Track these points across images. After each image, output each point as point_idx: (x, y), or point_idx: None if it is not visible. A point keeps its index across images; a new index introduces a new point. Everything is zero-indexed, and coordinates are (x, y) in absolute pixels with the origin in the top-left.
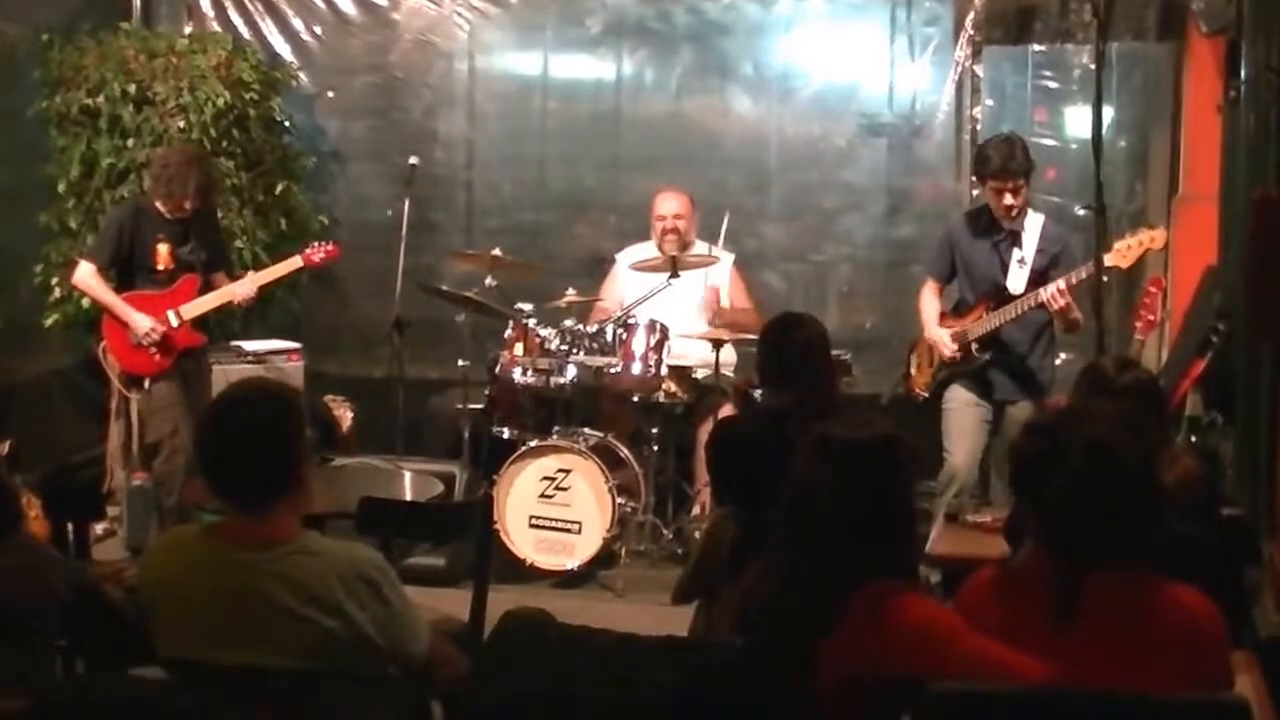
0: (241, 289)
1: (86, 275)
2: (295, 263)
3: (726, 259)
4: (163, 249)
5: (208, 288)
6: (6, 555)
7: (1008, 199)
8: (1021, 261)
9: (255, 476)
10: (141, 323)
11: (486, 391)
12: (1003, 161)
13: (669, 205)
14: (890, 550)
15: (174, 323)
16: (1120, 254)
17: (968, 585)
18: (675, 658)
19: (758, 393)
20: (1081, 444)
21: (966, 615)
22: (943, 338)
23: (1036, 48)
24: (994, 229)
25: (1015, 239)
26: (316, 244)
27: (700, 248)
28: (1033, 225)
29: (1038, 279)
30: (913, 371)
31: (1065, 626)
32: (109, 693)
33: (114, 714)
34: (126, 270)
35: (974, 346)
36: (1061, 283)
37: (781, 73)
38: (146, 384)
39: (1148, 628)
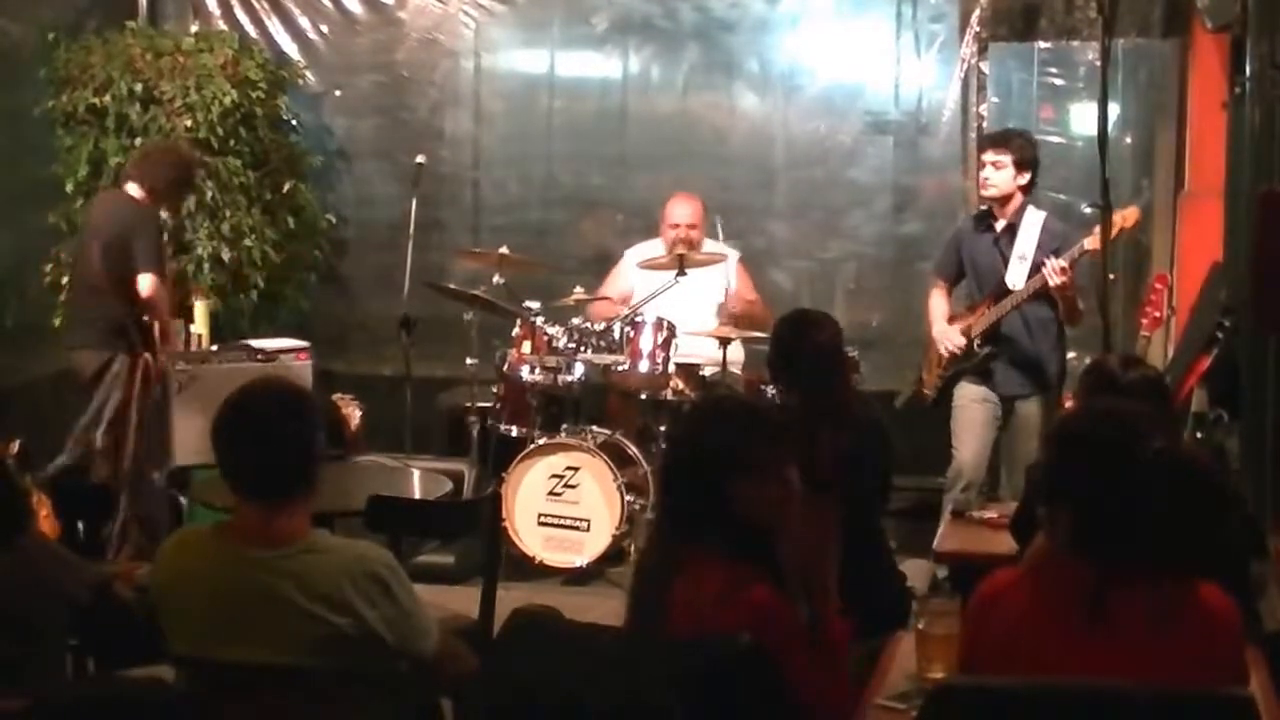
0: None
1: (158, 287)
2: None
3: (732, 255)
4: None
5: None
6: (16, 555)
7: (986, 171)
8: (1022, 257)
9: (274, 471)
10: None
11: (494, 389)
12: (993, 132)
13: (683, 212)
14: (703, 510)
15: None
16: (1095, 237)
17: (986, 586)
18: (683, 654)
19: (769, 389)
20: (1152, 456)
21: (986, 616)
22: (948, 331)
23: (1042, 45)
24: (994, 225)
25: (1013, 234)
26: None
27: (708, 245)
28: (1033, 221)
29: (1037, 273)
30: (923, 374)
31: (1094, 629)
32: (112, 692)
33: (117, 714)
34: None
35: (976, 342)
36: (1064, 260)
37: (787, 70)
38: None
39: (1174, 629)
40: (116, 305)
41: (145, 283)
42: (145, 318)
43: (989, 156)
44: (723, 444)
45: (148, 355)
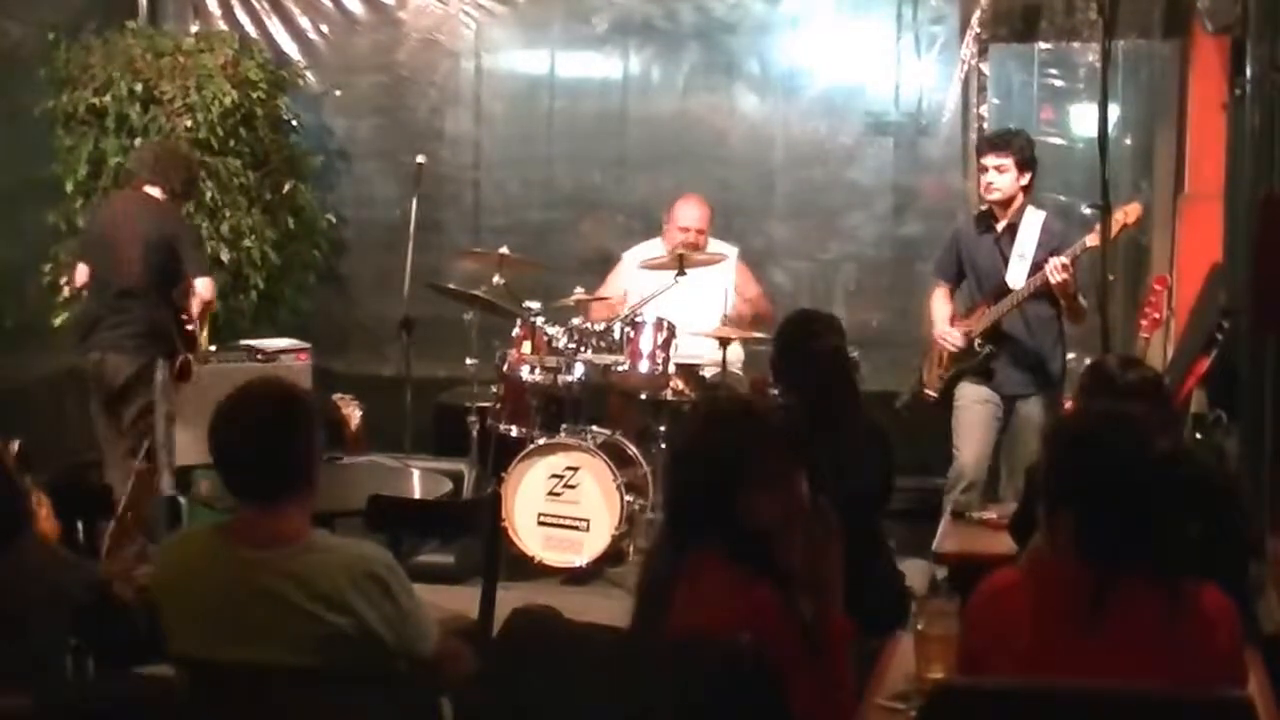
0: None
1: (212, 290)
2: None
3: (731, 254)
4: None
5: None
6: (17, 555)
7: (989, 176)
8: (1022, 256)
9: (268, 472)
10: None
11: (494, 390)
12: (992, 136)
13: (692, 216)
14: (708, 517)
15: None
16: (1096, 234)
17: (986, 587)
18: (682, 654)
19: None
20: (1147, 457)
21: (986, 617)
22: (949, 332)
23: (1042, 46)
24: (994, 226)
25: (1013, 233)
26: None
27: (708, 245)
28: (1033, 221)
29: (1037, 272)
30: (924, 374)
31: (1093, 630)
32: (114, 691)
33: (119, 713)
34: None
35: (976, 342)
36: (1065, 257)
37: (787, 71)
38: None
39: (1174, 631)
40: (157, 308)
41: (204, 285)
42: (184, 318)
43: (991, 160)
44: (730, 453)
45: (188, 356)
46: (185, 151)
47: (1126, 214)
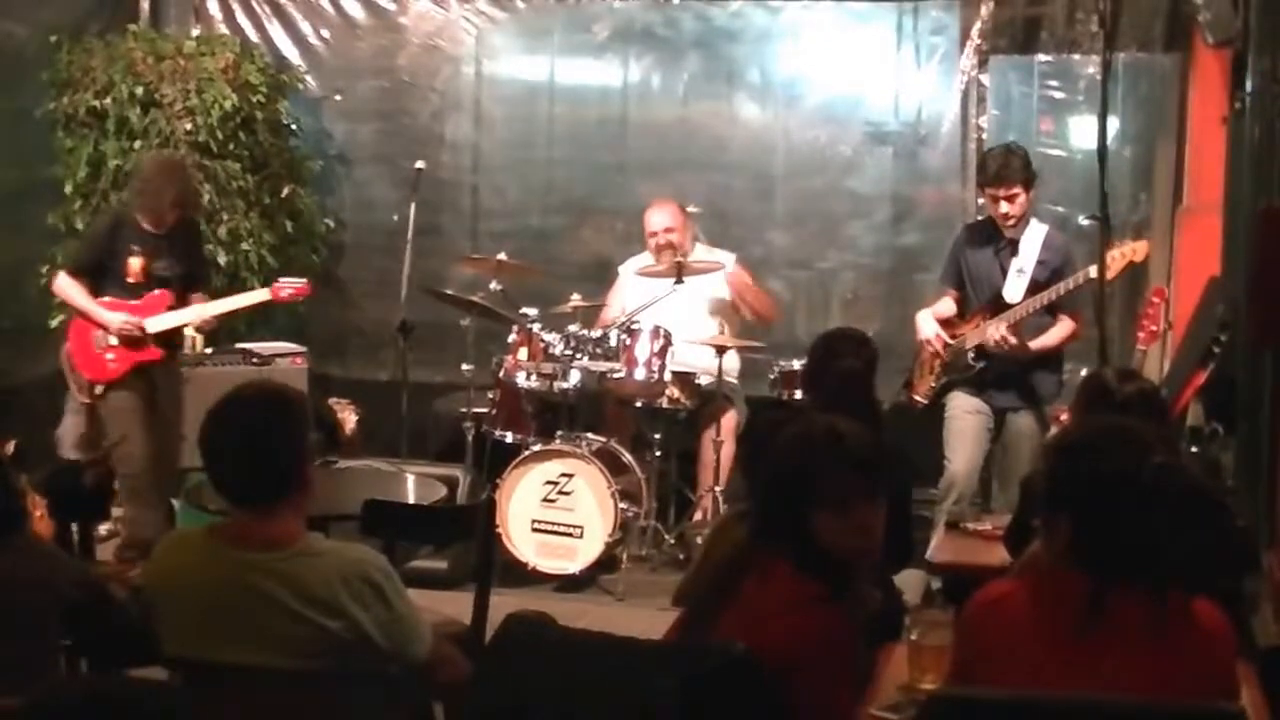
0: (204, 314)
1: (64, 282)
2: (263, 295)
3: (729, 261)
4: (135, 262)
5: (184, 304)
6: (10, 554)
7: (1004, 206)
8: (1020, 271)
9: (259, 476)
10: (114, 318)
11: (490, 395)
12: (997, 169)
13: (658, 219)
14: (784, 526)
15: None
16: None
17: (981, 595)
18: (675, 660)
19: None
20: (1144, 469)
21: (981, 625)
22: (924, 322)
23: (1043, 58)
24: (996, 237)
25: (1015, 247)
26: (286, 280)
27: (702, 251)
28: (1034, 235)
29: (1035, 289)
30: (914, 379)
31: (1088, 640)
32: (109, 692)
33: (114, 713)
34: (99, 279)
35: (970, 355)
36: (1004, 328)
37: (788, 80)
38: (100, 390)
39: (1168, 643)
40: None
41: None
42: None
43: (1002, 192)
44: (801, 469)
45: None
46: (145, 161)
47: (1135, 250)
